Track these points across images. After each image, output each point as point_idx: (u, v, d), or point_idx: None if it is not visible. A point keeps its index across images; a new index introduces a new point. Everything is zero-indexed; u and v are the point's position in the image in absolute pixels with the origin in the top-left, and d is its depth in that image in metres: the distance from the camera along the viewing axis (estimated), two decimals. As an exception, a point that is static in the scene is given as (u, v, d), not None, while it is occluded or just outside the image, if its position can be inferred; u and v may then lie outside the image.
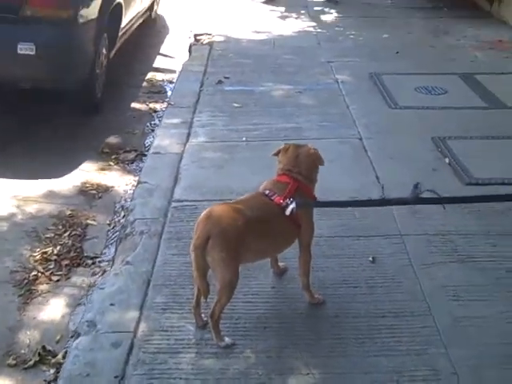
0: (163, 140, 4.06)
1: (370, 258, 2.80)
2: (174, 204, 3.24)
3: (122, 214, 3.60)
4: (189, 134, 4.11)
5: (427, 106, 4.57)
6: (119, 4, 5.05)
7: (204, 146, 3.94)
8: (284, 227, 2.40)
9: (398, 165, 3.67)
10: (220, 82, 5.05)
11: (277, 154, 2.61)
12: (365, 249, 2.87)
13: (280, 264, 2.72)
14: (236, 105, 4.59)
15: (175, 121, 4.34)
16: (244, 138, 4.04)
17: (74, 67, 4.42)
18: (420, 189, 2.16)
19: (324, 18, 7.19)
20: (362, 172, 3.59)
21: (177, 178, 3.53)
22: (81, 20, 4.34)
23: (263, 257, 2.56)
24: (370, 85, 5.02)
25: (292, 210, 2.32)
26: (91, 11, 4.49)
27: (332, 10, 7.49)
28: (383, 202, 2.92)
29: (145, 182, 3.50)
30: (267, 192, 2.44)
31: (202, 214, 2.35)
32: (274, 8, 7.48)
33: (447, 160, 3.73)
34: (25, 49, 4.07)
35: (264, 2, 7.65)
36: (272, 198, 2.41)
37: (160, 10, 7.89)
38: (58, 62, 4.25)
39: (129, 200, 3.64)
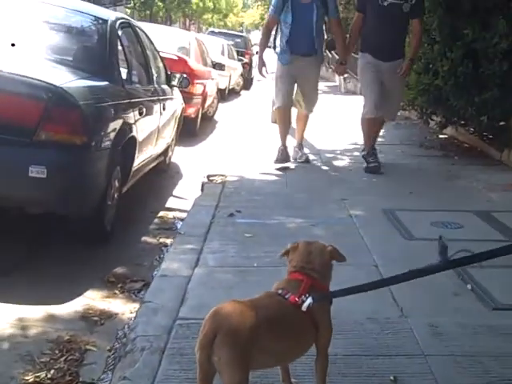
0: (171, 264, 3.91)
1: (392, 377, 2.55)
2: (178, 322, 3.03)
3: (125, 340, 3.39)
4: (198, 260, 3.96)
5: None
6: (133, 138, 5.13)
7: (214, 270, 3.79)
8: (299, 328, 2.19)
9: (417, 289, 3.46)
10: (232, 214, 4.99)
11: (286, 254, 2.45)
12: (385, 368, 2.62)
13: (293, 380, 2.46)
14: (247, 235, 4.48)
15: (184, 247, 4.21)
16: (255, 264, 3.89)
17: (84, 193, 4.38)
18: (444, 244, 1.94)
19: (336, 163, 7.27)
20: (378, 295, 3.38)
21: (184, 298, 3.34)
22: (94, 148, 4.37)
23: (276, 362, 2.31)
24: (384, 219, 4.93)
25: (309, 304, 2.12)
26: (105, 140, 4.54)
27: (344, 157, 7.59)
28: (413, 274, 2.41)
29: (149, 302, 3.31)
30: (280, 291, 2.26)
31: (210, 311, 2.16)
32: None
33: (469, 286, 3.54)
34: (36, 171, 4.05)
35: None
36: (286, 296, 2.22)
37: (174, 158, 8.07)
38: (69, 186, 4.22)
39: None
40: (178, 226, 5.58)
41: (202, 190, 6.03)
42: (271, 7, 6.96)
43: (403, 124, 10.51)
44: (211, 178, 6.36)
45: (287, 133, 7.17)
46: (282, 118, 7.09)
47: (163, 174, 7.43)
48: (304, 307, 2.15)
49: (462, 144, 8.33)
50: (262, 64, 7.08)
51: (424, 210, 5.19)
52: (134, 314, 3.74)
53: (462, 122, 7.88)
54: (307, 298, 2.17)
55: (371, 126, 6.85)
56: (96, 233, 4.75)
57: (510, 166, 7.03)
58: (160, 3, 43.94)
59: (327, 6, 6.66)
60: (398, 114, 11.38)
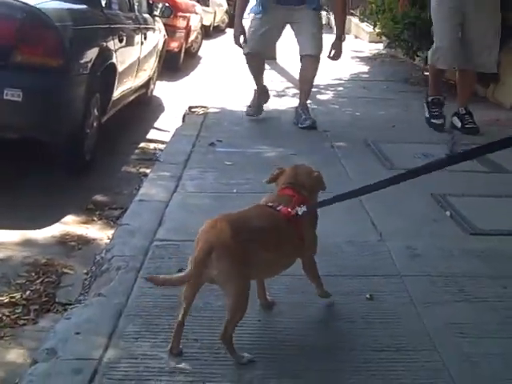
0: (149, 190, 3.87)
1: (368, 296, 2.55)
2: (155, 243, 3.01)
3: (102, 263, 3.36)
4: (177, 186, 3.92)
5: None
6: (112, 65, 5.01)
7: (192, 195, 3.75)
8: (290, 240, 2.22)
9: (397, 215, 3.46)
10: (212, 144, 4.92)
11: (273, 180, 2.42)
12: (361, 287, 2.62)
13: (268, 297, 2.46)
14: (228, 163, 4.43)
15: (163, 174, 4.16)
16: (235, 190, 3.86)
17: (61, 118, 4.28)
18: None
19: (320, 97, 7.18)
20: (358, 221, 3.38)
21: (161, 221, 3.31)
22: (71, 72, 4.26)
23: (269, 273, 2.33)
24: (366, 150, 4.90)
25: (301, 213, 2.17)
26: (83, 65, 4.42)
27: (328, 91, 7.50)
28: (411, 173, 2.19)
29: (126, 224, 3.28)
30: (271, 204, 2.25)
31: (203, 227, 2.13)
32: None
33: (448, 213, 3.54)
34: (11, 94, 3.95)
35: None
36: (277, 209, 2.22)
37: (156, 91, 7.93)
38: (45, 110, 4.12)
39: (110, 251, 3.40)
40: (159, 156, 5.52)
41: (184, 120, 5.95)
42: None
43: (388, 61, 10.41)
44: (193, 110, 6.27)
45: (260, 73, 6.02)
46: (251, 64, 5.87)
47: (145, 106, 7.32)
48: (300, 211, 2.17)
49: (448, 81, 8.22)
50: (239, 31, 5.70)
51: (406, 142, 5.15)
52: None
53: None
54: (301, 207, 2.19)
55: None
56: (75, 161, 4.68)
57: (494, 102, 6.98)
58: None
59: None
60: (383, 51, 11.31)
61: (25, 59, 4.02)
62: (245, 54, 5.81)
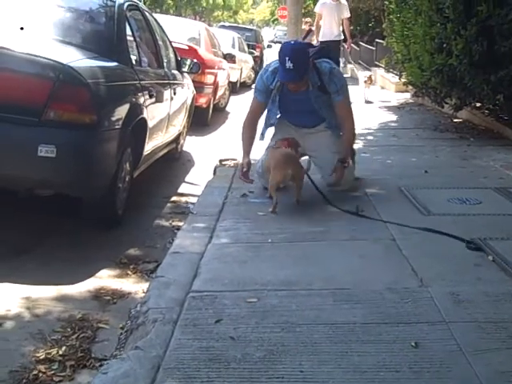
0: (183, 242, 3.84)
1: (413, 343, 2.45)
2: (191, 294, 2.95)
3: (138, 317, 3.31)
4: (211, 237, 3.88)
5: (463, 213, 4.34)
6: (143, 120, 5.05)
7: (227, 246, 3.71)
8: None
9: (437, 260, 3.37)
10: (244, 195, 4.90)
11: None
12: (406, 335, 2.52)
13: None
14: (261, 213, 4.39)
15: (197, 226, 4.14)
16: (269, 240, 3.80)
17: (94, 174, 4.31)
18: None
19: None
20: (397, 267, 3.29)
21: (196, 272, 3.26)
22: (103, 127, 4.30)
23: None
24: (400, 197, 4.83)
25: None
26: (115, 120, 4.46)
27: (358, 141, 7.47)
28: None
29: (161, 277, 3.23)
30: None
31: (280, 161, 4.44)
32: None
33: (491, 257, 3.43)
34: (45, 151, 3.99)
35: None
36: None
37: (186, 146, 7.99)
38: (79, 166, 4.15)
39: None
40: (191, 209, 5.51)
41: (215, 173, 5.95)
42: (255, 89, 5.11)
43: (417, 110, 10.39)
44: (224, 162, 6.28)
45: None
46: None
47: (175, 161, 7.36)
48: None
49: (477, 126, 8.19)
50: (246, 166, 4.82)
51: (440, 188, 5.07)
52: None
53: (478, 105, 7.74)
54: None
55: None
56: (107, 216, 4.68)
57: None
58: (170, 1, 43.86)
59: (327, 91, 4.82)
60: (411, 100, 11.36)
61: (58, 116, 4.06)
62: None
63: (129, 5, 5.46)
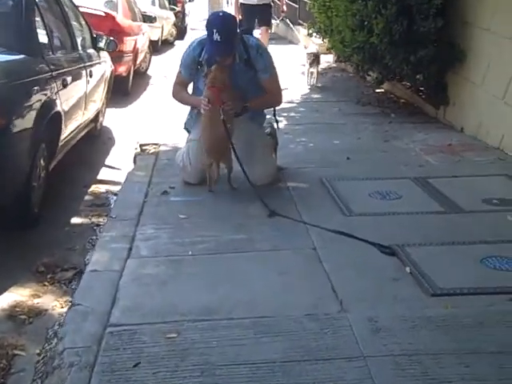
0: (101, 256, 3.74)
1: (331, 386, 2.48)
2: (109, 329, 2.88)
3: (55, 341, 3.21)
4: (130, 249, 3.79)
5: (383, 212, 4.39)
6: (58, 113, 4.84)
7: (146, 262, 3.63)
8: None
9: (356, 276, 3.40)
10: (165, 192, 4.80)
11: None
12: (324, 375, 2.54)
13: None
14: (182, 216, 4.32)
15: (115, 235, 4.03)
16: (190, 252, 3.75)
17: (5, 179, 4.11)
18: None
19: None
20: (317, 285, 3.31)
21: (115, 297, 3.18)
22: (13, 131, 4.09)
23: None
24: (322, 191, 4.83)
25: None
26: (26, 120, 4.25)
27: (281, 118, 7.42)
28: None
29: (78, 305, 3.14)
30: None
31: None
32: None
33: (408, 269, 3.49)
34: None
35: None
36: None
37: (105, 121, 7.76)
38: (-13, 174, 3.95)
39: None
40: (111, 200, 5.37)
41: (135, 162, 5.80)
42: (180, 63, 4.96)
43: (340, 77, 10.40)
44: (144, 148, 6.13)
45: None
46: None
47: (95, 140, 7.14)
48: None
49: (398, 100, 8.27)
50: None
51: (361, 179, 5.10)
52: (65, 309, 3.57)
53: (398, 78, 7.80)
54: None
55: None
56: (23, 217, 4.50)
57: (446, 124, 7.02)
58: None
59: (253, 67, 4.74)
60: (334, 65, 11.32)
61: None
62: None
63: (38, -12, 5.15)
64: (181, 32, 19.22)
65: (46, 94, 4.63)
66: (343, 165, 5.53)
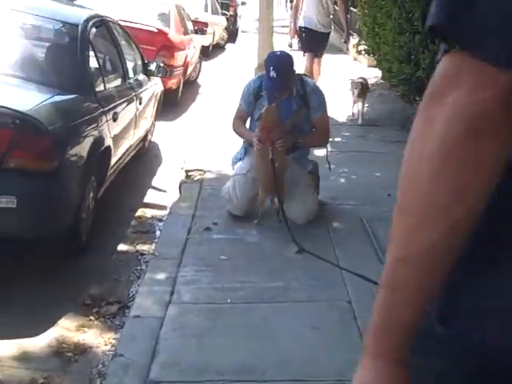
0: (144, 300, 3.91)
1: None
2: (148, 386, 3.05)
3: (98, 382, 3.40)
4: (172, 293, 3.95)
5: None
6: (108, 147, 5.03)
7: (187, 309, 3.78)
8: None
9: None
10: (208, 228, 4.94)
11: None
12: None
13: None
14: (223, 257, 4.46)
15: (158, 277, 4.19)
16: (229, 300, 3.89)
17: (57, 217, 4.31)
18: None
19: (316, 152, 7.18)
20: (348, 347, 3.40)
21: (155, 350, 3.34)
22: (66, 171, 4.28)
23: None
24: (361, 233, 4.91)
25: None
26: (78, 159, 4.44)
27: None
28: None
29: (121, 355, 3.31)
30: None
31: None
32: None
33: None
34: (5, 202, 3.96)
35: None
36: None
37: (153, 136, 7.93)
38: (41, 213, 4.15)
39: (106, 363, 3.45)
40: (156, 227, 5.54)
41: (180, 191, 5.97)
42: (241, 96, 5.25)
43: (387, 95, 10.32)
44: (190, 174, 6.29)
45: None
46: None
47: (141, 157, 7.30)
48: None
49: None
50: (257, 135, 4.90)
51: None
52: (108, 347, 3.74)
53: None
54: None
55: None
56: (71, 247, 4.71)
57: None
58: None
59: (309, 105, 5.03)
60: (381, 80, 11.23)
61: (18, 165, 4.03)
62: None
63: (93, 24, 5.32)
64: (232, 35, 19.40)
65: (96, 131, 4.81)
66: (384, 202, 5.56)
